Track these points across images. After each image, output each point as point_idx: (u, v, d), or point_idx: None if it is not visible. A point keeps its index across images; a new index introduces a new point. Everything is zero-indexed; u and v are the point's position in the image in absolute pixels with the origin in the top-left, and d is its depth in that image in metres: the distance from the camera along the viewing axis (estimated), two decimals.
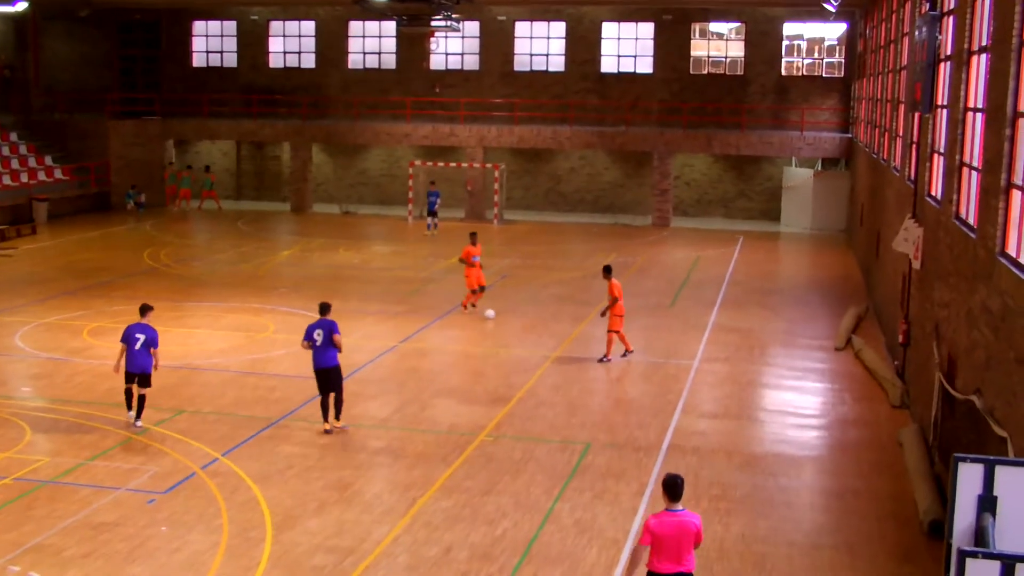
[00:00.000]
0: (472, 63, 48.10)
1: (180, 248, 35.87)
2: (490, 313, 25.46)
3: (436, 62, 48.25)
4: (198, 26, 51.12)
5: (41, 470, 15.30)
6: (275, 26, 50.09)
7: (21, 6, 43.58)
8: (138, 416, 17.27)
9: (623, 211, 46.28)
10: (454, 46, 47.99)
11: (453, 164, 44.14)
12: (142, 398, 17.27)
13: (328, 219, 43.82)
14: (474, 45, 47.96)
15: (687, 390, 20.00)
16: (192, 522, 13.63)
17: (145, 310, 17.64)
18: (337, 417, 17.18)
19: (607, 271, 22.40)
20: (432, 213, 39.43)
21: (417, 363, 21.75)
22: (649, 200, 44.33)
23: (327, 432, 17.00)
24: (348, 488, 14.90)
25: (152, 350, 17.19)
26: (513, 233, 40.32)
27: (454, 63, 48.31)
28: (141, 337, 17.12)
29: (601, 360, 21.84)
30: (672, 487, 10.23)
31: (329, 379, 16.97)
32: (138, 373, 17.17)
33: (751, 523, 13.99)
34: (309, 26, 49.55)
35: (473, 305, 25.97)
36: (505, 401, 19.05)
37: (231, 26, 50.62)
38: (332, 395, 17.07)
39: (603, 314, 22.39)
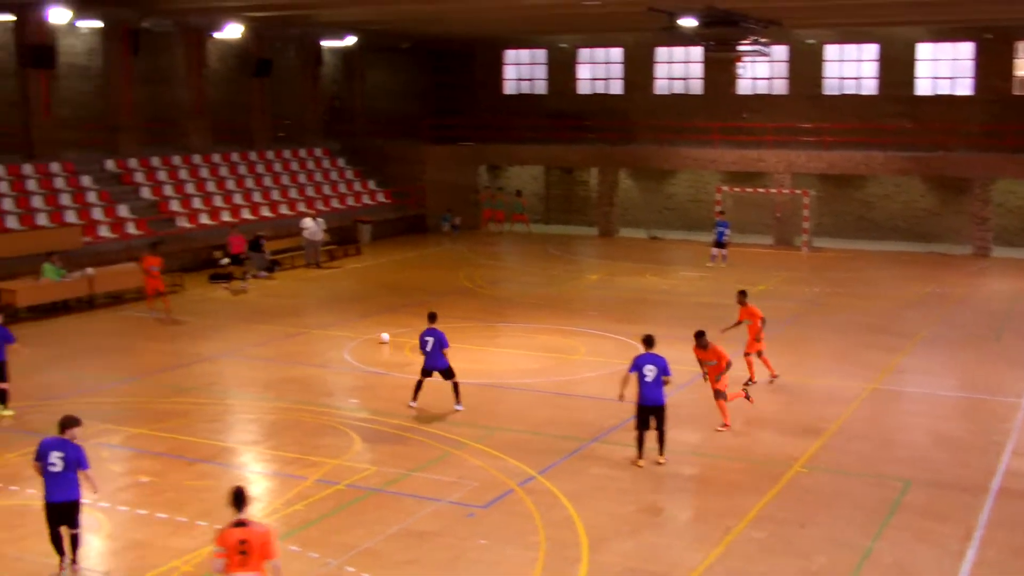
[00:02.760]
0: (780, 87, 47.42)
1: (492, 270, 37.09)
2: (385, 336, 25.66)
3: (743, 86, 47.85)
4: (509, 55, 52.84)
5: (369, 478, 16.17)
6: (583, 53, 51.10)
7: (351, 40, 46.41)
8: (457, 401, 19.65)
9: (939, 239, 44.27)
10: (762, 70, 47.41)
11: (760, 189, 43.63)
12: (454, 386, 19.62)
13: (634, 243, 44.17)
14: (782, 69, 47.26)
15: (1016, 429, 18.92)
16: (509, 537, 14.05)
17: (432, 318, 19.87)
18: (661, 452, 16.89)
19: (742, 295, 22.19)
20: (720, 244, 38.02)
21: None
22: (968, 228, 42.26)
23: (638, 466, 16.79)
24: (660, 513, 14.99)
25: (443, 349, 19.41)
26: (822, 260, 39.40)
27: (762, 87, 47.78)
28: (430, 340, 19.42)
29: (746, 384, 21.20)
30: None
31: (656, 416, 16.79)
32: (431, 368, 19.63)
33: None
34: (617, 52, 50.26)
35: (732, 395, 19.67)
36: (818, 433, 18.64)
37: (541, 54, 52.04)
38: (654, 431, 16.83)
39: (757, 339, 21.61)
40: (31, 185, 34.33)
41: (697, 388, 21.56)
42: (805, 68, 46.72)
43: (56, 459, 12.57)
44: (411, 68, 53.90)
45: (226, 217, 38.24)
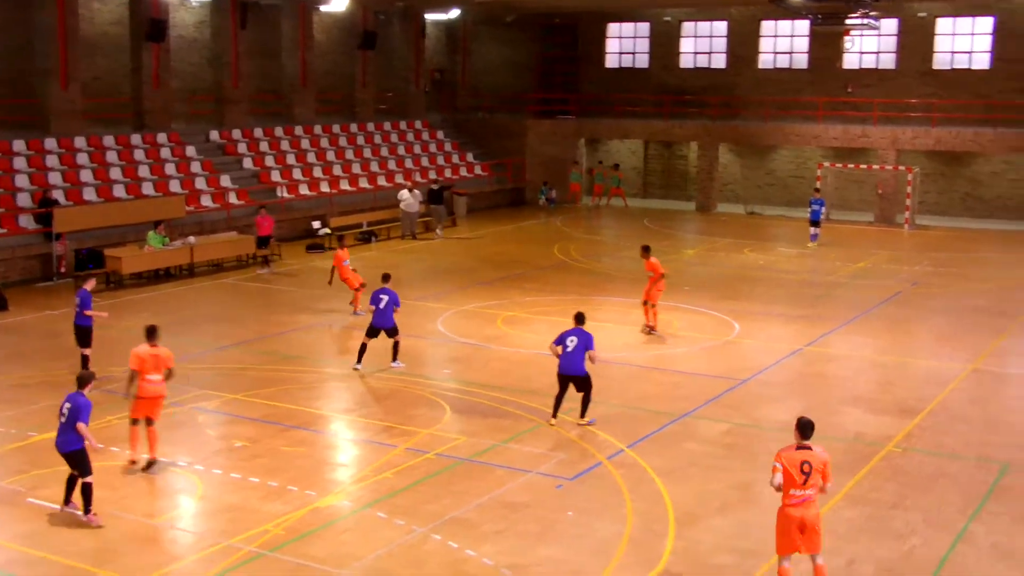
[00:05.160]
0: (888, 62, 46.29)
1: (588, 244, 37.00)
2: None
3: (849, 61, 46.80)
4: (612, 28, 52.37)
5: (459, 448, 16.28)
6: (687, 27, 50.46)
7: (454, 13, 46.47)
8: (394, 358, 20.72)
9: None
10: (869, 44, 46.31)
11: (863, 166, 42.81)
12: (395, 344, 20.70)
13: (733, 219, 43.69)
14: (891, 43, 46.09)
15: None
16: (598, 510, 14.05)
17: (386, 278, 21.43)
18: (582, 415, 17.48)
19: (646, 250, 23.99)
20: (815, 223, 36.67)
21: (823, 368, 21.33)
22: None
23: (551, 424, 17.40)
24: (750, 489, 14.85)
25: (395, 308, 20.53)
26: (925, 239, 38.56)
27: (868, 62, 46.70)
28: (384, 298, 20.51)
29: (646, 331, 23.60)
30: None
31: (577, 385, 17.42)
32: (379, 327, 20.58)
33: None
34: (721, 26, 49.51)
35: None
36: (915, 413, 18.30)
37: (644, 28, 51.49)
38: (580, 394, 17.47)
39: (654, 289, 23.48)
40: (139, 155, 35.09)
41: (789, 366, 21.39)
42: (915, 42, 45.51)
43: (65, 410, 13.48)
44: (514, 42, 53.75)
45: (325, 188, 38.68)
